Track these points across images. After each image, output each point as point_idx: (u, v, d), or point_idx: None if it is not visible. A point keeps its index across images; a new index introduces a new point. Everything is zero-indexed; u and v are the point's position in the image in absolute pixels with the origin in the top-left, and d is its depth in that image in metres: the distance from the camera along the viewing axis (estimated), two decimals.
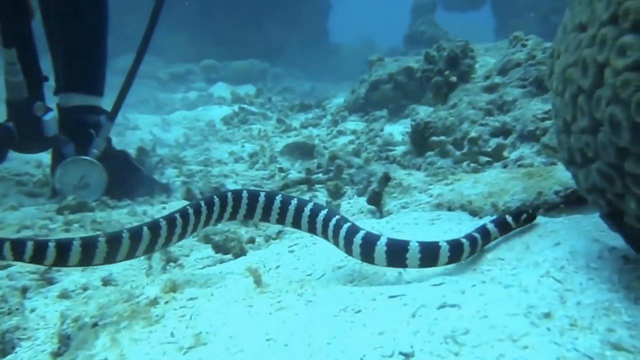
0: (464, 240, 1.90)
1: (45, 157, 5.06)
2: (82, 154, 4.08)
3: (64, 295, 2.37)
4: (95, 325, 1.59)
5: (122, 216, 3.67)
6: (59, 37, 4.20)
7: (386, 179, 3.96)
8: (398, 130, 6.99)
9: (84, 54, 4.26)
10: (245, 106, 8.90)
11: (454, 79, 5.53)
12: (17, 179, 4.69)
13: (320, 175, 4.77)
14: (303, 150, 6.20)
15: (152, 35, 4.13)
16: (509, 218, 2.06)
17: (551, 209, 2.83)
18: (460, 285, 1.68)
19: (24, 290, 2.39)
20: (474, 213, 2.88)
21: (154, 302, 1.68)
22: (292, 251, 2.40)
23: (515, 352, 1.26)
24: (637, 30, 1.24)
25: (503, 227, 2.03)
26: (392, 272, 1.96)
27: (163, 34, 13.23)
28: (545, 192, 3.07)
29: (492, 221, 2.06)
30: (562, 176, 3.19)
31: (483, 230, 1.99)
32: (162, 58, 12.94)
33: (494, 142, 4.68)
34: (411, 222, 2.63)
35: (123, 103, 4.26)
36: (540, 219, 2.15)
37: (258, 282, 1.81)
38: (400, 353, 1.34)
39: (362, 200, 4.04)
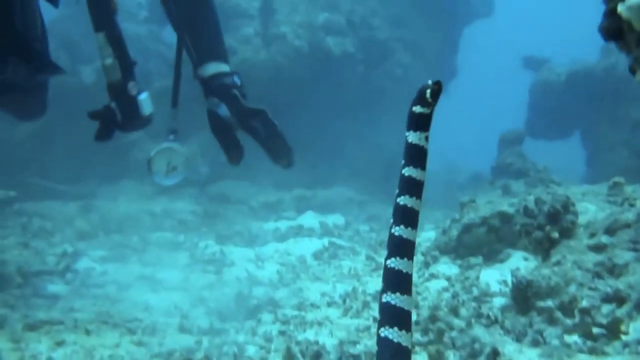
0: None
1: None
2: (235, 111, 4.32)
3: None
4: None
5: None
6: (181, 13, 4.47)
7: (495, 354, 3.80)
8: (494, 278, 6.76)
9: (203, 23, 4.54)
10: (334, 240, 9.05)
11: (555, 235, 5.40)
12: None
13: (418, 336, 4.62)
14: None
15: None
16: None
17: None
18: None
19: None
20: None
21: None
22: None
23: None
24: None
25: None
26: None
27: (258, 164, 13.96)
28: None
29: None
30: None
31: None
32: (254, 184, 13.55)
33: (606, 308, 4.43)
34: None
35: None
36: None
37: None
38: None
39: None
